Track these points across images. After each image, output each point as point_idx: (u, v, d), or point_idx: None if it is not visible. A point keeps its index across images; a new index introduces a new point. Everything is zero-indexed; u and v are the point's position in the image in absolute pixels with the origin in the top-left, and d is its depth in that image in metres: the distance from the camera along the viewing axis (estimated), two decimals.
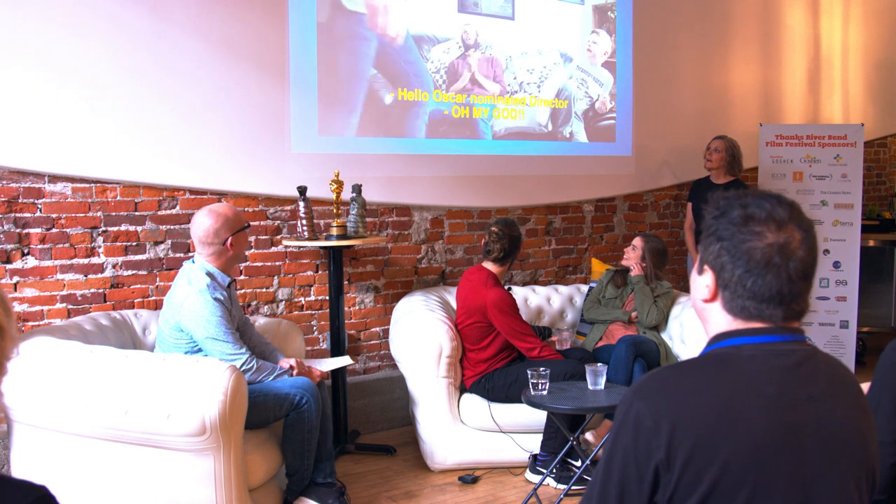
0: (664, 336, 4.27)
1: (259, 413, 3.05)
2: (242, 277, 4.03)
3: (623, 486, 1.19)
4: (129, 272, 3.76)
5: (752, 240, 1.22)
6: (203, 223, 3.17)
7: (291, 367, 3.25)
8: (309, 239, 3.87)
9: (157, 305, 3.75)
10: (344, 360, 3.68)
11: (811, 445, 1.20)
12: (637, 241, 4.36)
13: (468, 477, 3.70)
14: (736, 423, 1.17)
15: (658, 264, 4.32)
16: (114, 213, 3.71)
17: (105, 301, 3.70)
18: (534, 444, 3.72)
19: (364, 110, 4.33)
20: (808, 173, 5.39)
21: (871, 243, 5.83)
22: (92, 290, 3.67)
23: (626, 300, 4.36)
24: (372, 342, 4.48)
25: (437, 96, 4.55)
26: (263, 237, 4.09)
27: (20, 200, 3.51)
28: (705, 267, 1.29)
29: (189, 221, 3.79)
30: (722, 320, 1.28)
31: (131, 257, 3.76)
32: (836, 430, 1.22)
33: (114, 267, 3.72)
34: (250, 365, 3.10)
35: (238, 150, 3.97)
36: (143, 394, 2.76)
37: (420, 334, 3.79)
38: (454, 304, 4.16)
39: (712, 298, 1.28)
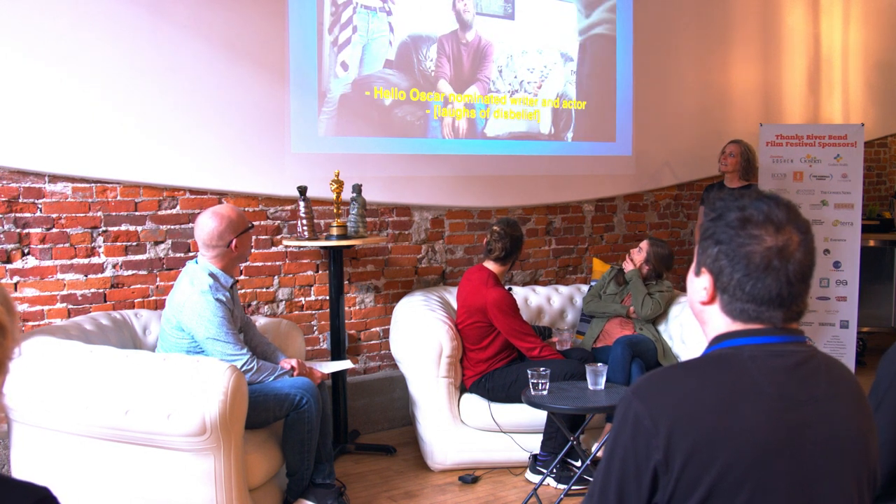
0: (664, 336, 4.27)
1: (259, 413, 3.05)
2: (243, 277, 4.03)
3: (622, 487, 1.19)
4: (130, 272, 3.75)
5: (750, 243, 1.21)
6: (207, 226, 3.16)
7: (292, 368, 3.25)
8: (309, 239, 3.87)
9: (158, 305, 3.75)
10: (344, 364, 3.67)
11: (812, 447, 1.19)
12: (644, 245, 4.38)
13: (468, 477, 3.70)
14: (736, 424, 1.16)
15: (661, 269, 4.36)
16: (114, 213, 3.71)
17: (105, 301, 3.70)
18: (534, 444, 3.71)
19: (364, 110, 4.33)
20: (809, 173, 5.38)
21: (872, 243, 5.83)
22: (92, 290, 3.67)
23: (626, 296, 4.38)
24: (372, 342, 4.48)
25: (437, 96, 4.55)
26: (264, 237, 4.09)
27: (20, 200, 3.51)
28: (703, 269, 1.28)
29: (189, 221, 3.80)
30: (721, 322, 1.27)
31: (131, 257, 3.76)
32: (837, 431, 1.22)
33: (114, 267, 3.72)
34: (251, 365, 3.10)
35: (238, 150, 3.97)
36: (144, 394, 2.76)
37: (420, 334, 3.79)
38: (454, 304, 4.16)
39: (710, 301, 1.28)
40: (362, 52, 4.30)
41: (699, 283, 1.29)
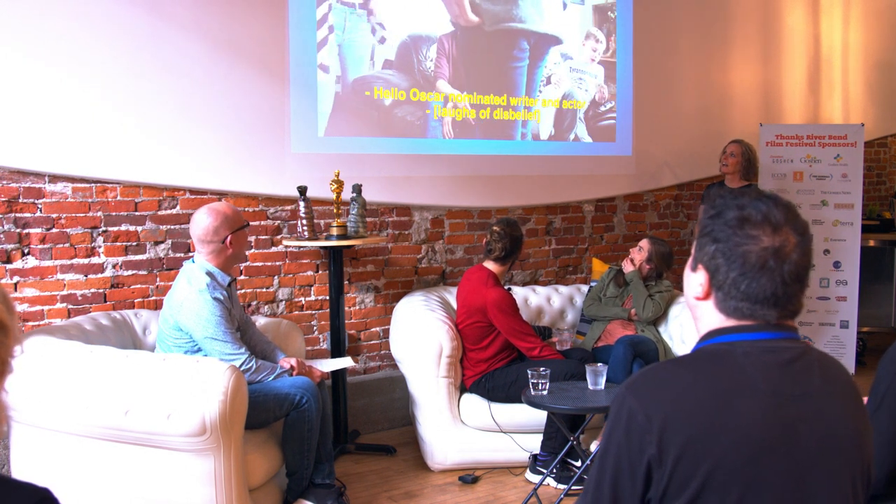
0: (664, 336, 4.27)
1: (259, 413, 3.05)
2: (242, 277, 4.03)
3: (616, 482, 1.20)
4: (129, 272, 3.75)
5: (747, 243, 1.22)
6: (202, 221, 3.17)
7: (292, 367, 3.25)
8: (309, 239, 3.87)
9: (157, 305, 3.75)
10: (345, 362, 3.67)
11: (806, 442, 1.20)
12: (645, 244, 4.37)
13: (468, 477, 3.70)
14: (729, 420, 1.17)
15: (663, 268, 4.36)
16: (114, 213, 3.71)
17: (105, 301, 3.70)
18: (534, 444, 3.71)
19: (364, 110, 4.33)
20: (809, 173, 5.38)
21: (871, 243, 5.83)
22: (92, 290, 3.67)
23: (626, 299, 4.37)
24: (372, 342, 4.48)
25: (437, 96, 4.54)
26: (264, 237, 4.09)
27: (20, 200, 3.51)
28: (699, 266, 1.29)
29: (189, 221, 3.79)
30: (714, 318, 1.28)
31: (131, 257, 3.76)
32: (831, 427, 1.22)
33: (114, 267, 3.72)
34: (249, 365, 3.10)
35: (238, 150, 3.97)
36: (144, 394, 2.76)
37: (420, 334, 3.79)
38: (454, 304, 4.16)
39: (705, 297, 1.28)
40: (359, 52, 4.30)
41: (695, 279, 1.30)
